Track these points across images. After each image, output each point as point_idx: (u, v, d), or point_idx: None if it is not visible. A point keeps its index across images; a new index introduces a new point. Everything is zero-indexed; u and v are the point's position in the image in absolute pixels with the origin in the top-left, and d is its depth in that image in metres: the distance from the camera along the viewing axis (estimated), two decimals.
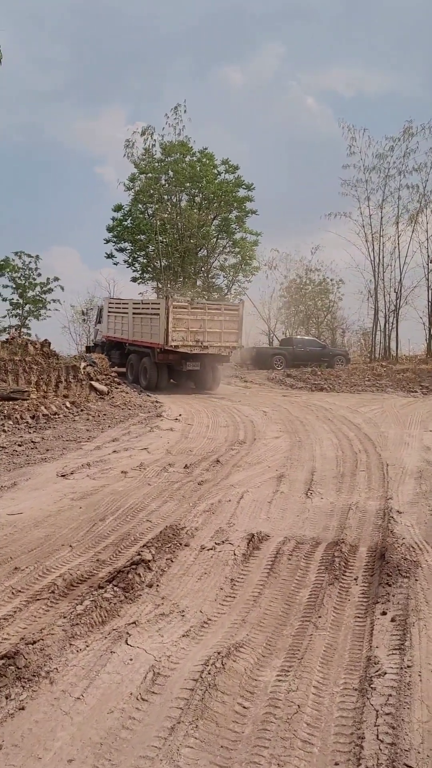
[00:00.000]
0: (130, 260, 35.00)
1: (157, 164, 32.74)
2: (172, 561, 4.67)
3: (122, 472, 7.66)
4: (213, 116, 64.36)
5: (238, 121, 66.77)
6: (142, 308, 19.84)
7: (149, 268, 34.13)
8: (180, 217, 33.24)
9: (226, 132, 59.78)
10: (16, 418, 12.21)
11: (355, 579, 4.27)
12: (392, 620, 3.58)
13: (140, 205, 34.35)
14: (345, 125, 30.51)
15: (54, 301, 33.22)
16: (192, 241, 33.32)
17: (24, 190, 68.41)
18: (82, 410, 13.42)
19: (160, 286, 32.68)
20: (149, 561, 4.56)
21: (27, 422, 11.89)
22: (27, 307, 45.49)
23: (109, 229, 34.44)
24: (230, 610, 3.86)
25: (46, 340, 16.75)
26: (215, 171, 34.11)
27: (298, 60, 69.23)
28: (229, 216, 34.87)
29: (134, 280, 35.20)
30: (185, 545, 4.98)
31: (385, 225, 31.09)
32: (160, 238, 32.20)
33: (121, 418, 12.69)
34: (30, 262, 45.93)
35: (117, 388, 16.40)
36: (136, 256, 34.75)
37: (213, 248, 36.32)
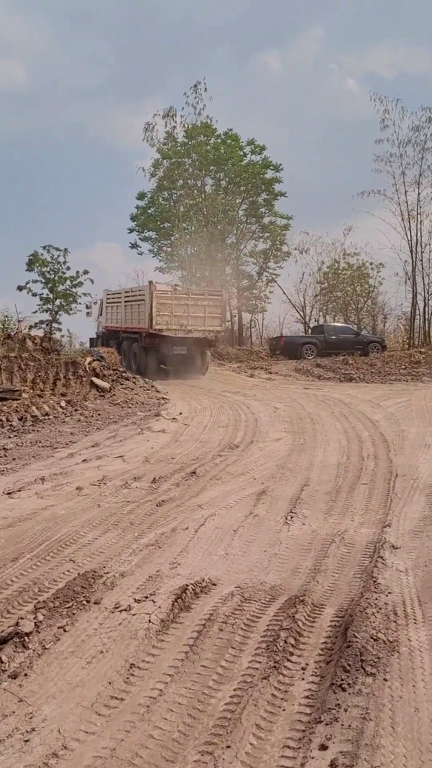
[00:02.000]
0: (155, 249, 33.80)
1: (179, 148, 31.35)
2: (65, 631, 3.41)
3: (77, 488, 6.46)
4: (253, 104, 62.75)
5: (278, 107, 64.97)
6: (131, 296, 20.32)
7: (175, 257, 32.83)
8: (205, 202, 31.83)
9: (267, 119, 58.08)
10: (1, 420, 11.16)
11: (303, 669, 2.93)
12: (331, 765, 2.24)
13: (164, 192, 33.07)
14: (375, 97, 28.48)
15: (85, 294, 32.22)
16: (218, 227, 31.88)
17: (68, 188, 68.15)
18: (76, 410, 12.32)
19: (186, 275, 31.36)
20: (27, 634, 3.31)
21: (11, 425, 10.83)
22: (57, 302, 44.88)
23: (133, 218, 33.29)
24: (104, 727, 2.58)
25: (46, 334, 15.74)
26: (241, 153, 32.56)
27: (339, 43, 66.85)
28: (257, 199, 33.29)
29: (160, 270, 33.96)
30: (95, 603, 3.72)
31: (423, 202, 29.10)
32: (185, 225, 30.87)
33: (116, 417, 11.52)
34: (58, 256, 45.33)
35: (122, 384, 15.22)
36: (161, 245, 33.53)
37: (242, 234, 34.84)
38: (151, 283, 18.59)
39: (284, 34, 71.27)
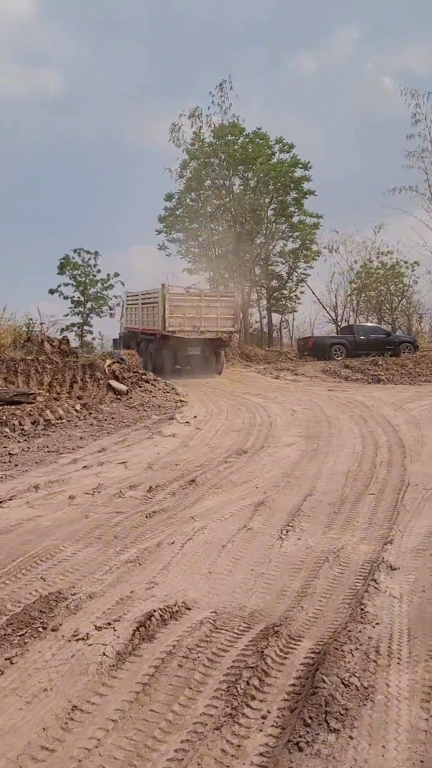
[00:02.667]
0: (183, 251, 33.52)
1: (207, 148, 31.01)
2: (11, 663, 3.09)
3: (70, 497, 6.16)
4: (287, 105, 62.14)
5: (312, 108, 64.18)
6: (148, 298, 20.67)
7: (203, 258, 32.49)
8: (233, 202, 31.43)
9: (301, 120, 57.39)
10: (13, 424, 10.96)
11: (263, 718, 2.55)
12: None
13: (192, 193, 32.78)
14: (407, 91, 27.73)
15: (116, 296, 32.27)
16: (246, 227, 31.45)
17: (103, 193, 68.51)
18: (90, 413, 12.06)
19: (213, 276, 31.00)
20: None
21: (23, 429, 10.62)
22: (89, 305, 45.06)
23: (161, 219, 33.07)
24: None
25: (64, 337, 15.56)
26: (269, 151, 32.07)
27: (374, 42, 65.68)
28: (286, 198, 32.76)
29: (190, 272, 33.65)
30: (52, 630, 3.39)
31: None
32: (212, 226, 30.53)
33: (130, 421, 11.23)
34: (89, 259, 45.57)
35: (141, 386, 14.94)
36: (189, 246, 33.23)
37: (272, 234, 34.33)
38: (163, 285, 18.98)
39: (318, 34, 70.36)
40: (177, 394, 15.18)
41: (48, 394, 13.54)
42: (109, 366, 15.68)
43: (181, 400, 13.96)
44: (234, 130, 31.19)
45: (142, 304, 21.05)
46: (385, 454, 7.53)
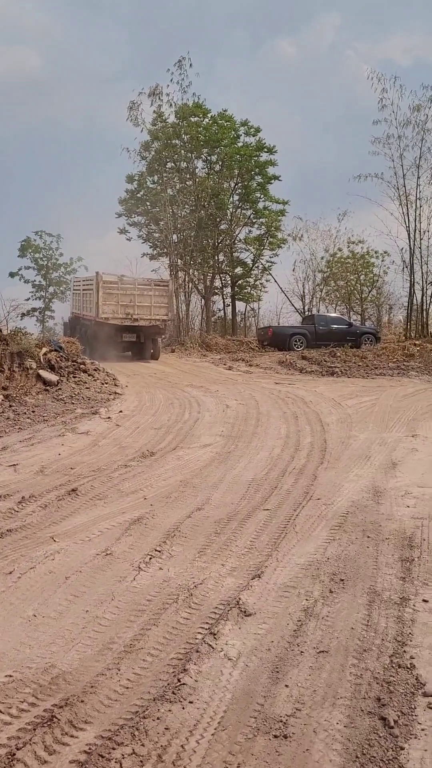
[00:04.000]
0: (144, 235, 32.52)
1: (170, 129, 29.97)
2: None
3: None
4: (266, 91, 61.19)
5: (292, 94, 63.24)
6: (87, 285, 21.14)
7: (163, 244, 31.55)
8: (195, 186, 30.50)
9: (280, 105, 56.47)
10: None
11: None
12: None
13: (155, 176, 31.75)
14: (373, 74, 27.00)
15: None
16: (208, 211, 30.55)
17: (82, 177, 66.79)
18: (11, 405, 11.21)
19: (174, 262, 30.09)
20: None
21: None
22: (51, 289, 43.80)
23: (121, 202, 32.02)
24: None
25: None
26: (234, 134, 31.16)
27: (355, 30, 64.95)
28: (251, 183, 31.90)
29: (151, 257, 32.71)
30: None
31: (422, 186, 27.61)
32: (173, 210, 29.58)
33: (51, 415, 10.41)
34: (51, 242, 44.29)
35: (77, 376, 14.09)
36: (150, 230, 32.25)
37: (237, 219, 33.46)
38: (97, 273, 19.52)
39: (299, 20, 69.46)
40: (115, 385, 14.39)
41: None
42: (44, 354, 14.80)
43: (116, 392, 13.17)
44: (197, 110, 30.21)
45: (83, 290, 21.60)
46: (301, 459, 6.84)
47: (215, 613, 3.35)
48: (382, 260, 36.11)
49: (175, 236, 29.78)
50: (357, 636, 2.98)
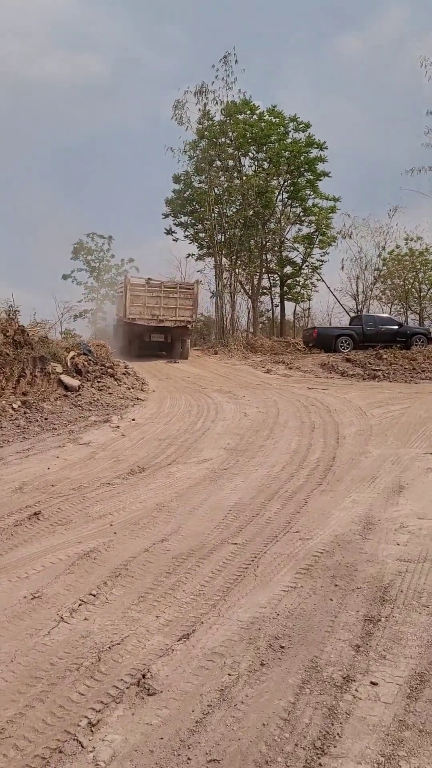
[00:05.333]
0: (191, 235, 32.09)
1: (216, 127, 29.41)
2: None
3: None
4: (330, 88, 60.06)
5: (355, 90, 61.91)
6: (120, 288, 22.45)
7: (210, 243, 31.03)
8: (242, 183, 29.85)
9: (343, 102, 55.30)
10: None
11: None
12: None
13: (202, 175, 31.26)
14: (425, 61, 25.64)
15: None
16: (255, 210, 29.87)
17: (145, 178, 67.23)
18: (26, 412, 10.92)
19: (218, 262, 29.54)
20: None
21: None
22: (102, 291, 43.92)
23: (168, 203, 31.67)
24: None
25: (20, 326, 14.33)
26: (282, 130, 30.35)
27: (424, 22, 62.86)
28: (298, 181, 31.03)
29: (197, 258, 32.28)
30: None
31: None
32: (218, 209, 29.03)
33: (62, 423, 10.06)
34: (103, 244, 44.50)
35: (101, 381, 13.72)
36: (196, 230, 31.80)
37: (287, 218, 32.64)
38: (126, 277, 21.25)
39: (365, 15, 67.83)
40: (142, 389, 13.99)
41: None
42: (72, 359, 14.53)
43: (138, 398, 12.73)
44: (245, 107, 29.57)
45: (118, 293, 23.20)
46: (299, 480, 6.17)
47: (116, 688, 2.77)
48: None
49: (220, 236, 29.19)
50: (266, 737, 2.35)
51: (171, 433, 8.92)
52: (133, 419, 10.10)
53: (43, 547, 4.59)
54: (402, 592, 3.58)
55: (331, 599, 3.51)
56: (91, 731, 2.44)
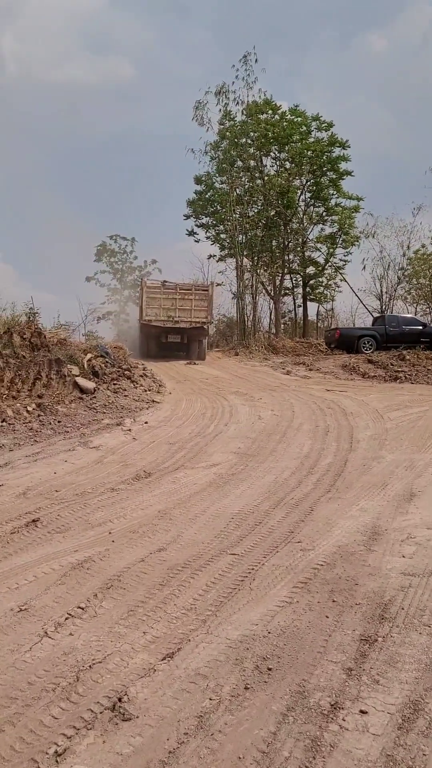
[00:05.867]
0: (213, 236, 31.96)
1: (237, 127, 29.23)
2: None
3: None
4: (355, 87, 59.59)
5: (380, 89, 61.42)
6: (137, 291, 24.18)
7: (231, 244, 30.84)
8: (266, 184, 29.63)
9: (368, 101, 54.88)
10: None
11: None
12: None
13: (224, 176, 31.09)
14: None
15: None
16: (277, 210, 29.63)
17: (164, 181, 67.40)
18: (39, 415, 10.86)
19: (239, 263, 29.34)
20: None
21: None
22: (126, 293, 43.98)
23: (189, 204, 31.58)
24: None
25: (37, 329, 14.31)
26: (305, 129, 30.04)
27: None
28: (321, 180, 30.70)
29: (218, 259, 32.12)
30: None
31: None
32: (239, 209, 28.84)
33: (77, 425, 10.00)
34: (126, 245, 44.56)
35: (118, 383, 13.63)
36: (218, 231, 31.66)
37: (310, 218, 32.33)
38: (142, 280, 22.41)
39: (390, 13, 67.22)
40: (158, 392, 13.88)
41: (8, 392, 12.39)
42: (89, 361, 14.47)
43: (154, 400, 12.62)
44: (266, 106, 29.35)
45: (137, 296, 24.76)
46: (308, 486, 5.98)
47: (91, 711, 2.63)
48: None
49: (242, 237, 29.00)
50: None
51: (182, 437, 8.78)
52: (146, 422, 9.98)
53: (37, 556, 4.47)
54: (403, 609, 3.38)
55: (327, 616, 3.33)
56: (56, 761, 2.29)
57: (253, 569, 4.01)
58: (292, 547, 4.37)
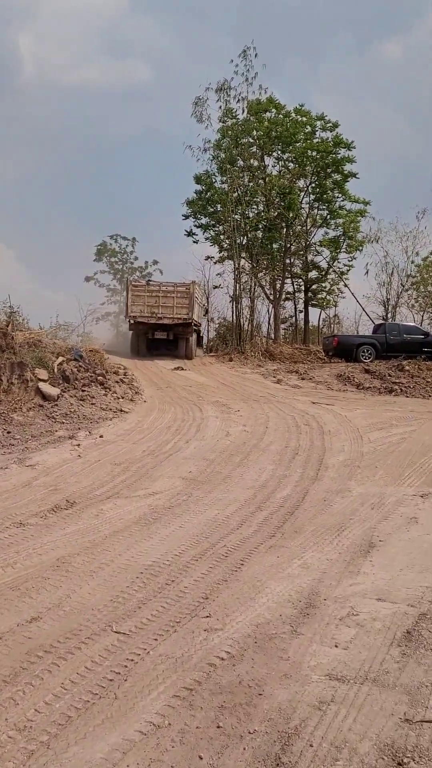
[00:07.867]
0: (212, 237, 30.95)
1: (240, 126, 28.23)
2: None
3: None
4: (371, 93, 58.74)
5: (396, 95, 60.51)
6: (125, 290, 23.88)
7: (231, 246, 29.80)
8: (267, 185, 28.60)
9: (383, 107, 53.99)
10: None
11: None
12: None
13: (225, 176, 30.07)
14: None
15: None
16: (278, 211, 28.59)
17: (176, 181, 66.73)
18: None
19: (237, 265, 28.30)
20: None
21: None
22: (126, 293, 43.02)
23: (188, 204, 30.59)
24: None
25: (1, 329, 13.34)
26: (309, 129, 29.01)
27: None
28: (326, 182, 29.63)
29: (216, 260, 31.12)
30: None
31: None
32: (237, 210, 27.82)
33: (26, 437, 9.09)
34: (127, 246, 43.68)
35: (88, 389, 12.67)
36: (216, 232, 30.65)
37: (313, 220, 31.27)
38: (127, 279, 24.87)
39: (407, 20, 66.38)
40: (131, 400, 12.91)
41: None
42: (59, 365, 13.51)
43: (122, 410, 11.64)
44: (269, 105, 28.35)
45: (124, 294, 24.38)
46: (249, 529, 4.96)
47: None
48: None
49: (241, 238, 27.98)
50: None
51: (133, 456, 7.78)
52: (101, 436, 8.98)
53: None
54: (311, 746, 2.35)
55: (201, 757, 2.30)
56: None
57: (132, 661, 2.99)
58: (197, 624, 3.35)
